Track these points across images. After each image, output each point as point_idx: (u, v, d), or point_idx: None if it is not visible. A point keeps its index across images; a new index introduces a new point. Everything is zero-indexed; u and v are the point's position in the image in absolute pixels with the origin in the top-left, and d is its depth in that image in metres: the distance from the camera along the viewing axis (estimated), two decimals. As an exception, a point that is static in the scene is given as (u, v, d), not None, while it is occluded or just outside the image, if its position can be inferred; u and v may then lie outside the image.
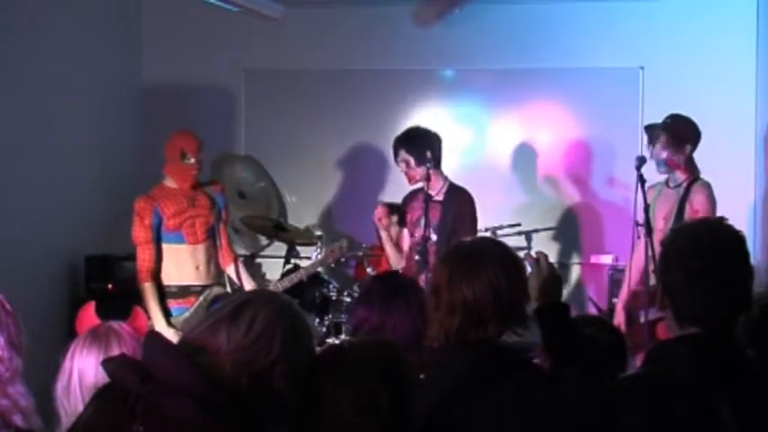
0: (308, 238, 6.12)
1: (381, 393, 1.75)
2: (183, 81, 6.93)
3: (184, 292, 4.79)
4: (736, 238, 2.08)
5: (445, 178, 5.11)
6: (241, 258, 6.17)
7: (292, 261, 5.97)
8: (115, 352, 2.18)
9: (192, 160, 4.80)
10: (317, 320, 5.60)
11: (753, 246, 5.63)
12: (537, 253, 2.42)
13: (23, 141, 5.53)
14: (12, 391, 2.15)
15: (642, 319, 4.35)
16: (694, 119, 4.85)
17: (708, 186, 4.65)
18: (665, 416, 1.93)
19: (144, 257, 4.72)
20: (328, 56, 6.81)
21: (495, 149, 6.72)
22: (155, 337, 1.76)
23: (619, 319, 4.69)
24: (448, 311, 2.16)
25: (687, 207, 4.59)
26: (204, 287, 4.83)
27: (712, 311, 2.01)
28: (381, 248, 6.19)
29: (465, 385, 2.06)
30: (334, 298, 5.65)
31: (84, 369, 2.24)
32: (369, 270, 5.81)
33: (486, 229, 5.90)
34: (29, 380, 2.24)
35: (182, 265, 4.77)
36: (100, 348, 2.25)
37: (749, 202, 6.20)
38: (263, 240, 6.41)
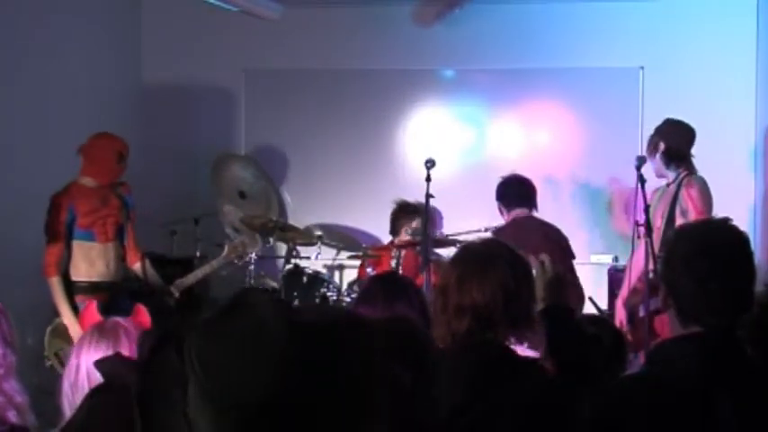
0: (308, 238, 6.12)
1: (401, 370, 1.71)
2: (183, 81, 6.92)
3: (94, 288, 4.86)
4: (740, 239, 2.08)
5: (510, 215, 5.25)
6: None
7: (292, 261, 5.97)
8: (124, 346, 2.18)
9: (124, 163, 5.00)
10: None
11: (753, 245, 5.62)
12: (541, 255, 2.41)
13: (23, 141, 5.52)
14: (6, 387, 2.15)
15: (641, 314, 4.36)
16: (694, 119, 4.86)
17: (700, 180, 4.67)
18: (666, 415, 1.93)
19: (53, 251, 4.79)
20: (328, 56, 6.80)
21: (496, 149, 6.72)
22: (150, 334, 1.75)
23: (620, 316, 4.69)
24: (456, 313, 2.14)
25: (679, 201, 4.61)
26: (112, 284, 4.93)
27: (715, 311, 2.01)
28: (381, 248, 6.20)
29: (470, 386, 2.06)
30: (334, 298, 5.65)
31: (92, 365, 2.23)
32: (369, 270, 5.81)
33: (486, 229, 5.90)
34: (26, 378, 2.23)
35: (93, 261, 4.87)
36: (108, 343, 2.24)
37: (749, 202, 6.20)
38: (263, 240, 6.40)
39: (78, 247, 4.84)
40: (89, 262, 4.85)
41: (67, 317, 4.72)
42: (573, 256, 5.18)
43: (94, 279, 4.87)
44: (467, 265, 2.19)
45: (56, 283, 4.76)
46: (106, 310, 4.63)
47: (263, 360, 1.01)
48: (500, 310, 2.11)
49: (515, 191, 5.27)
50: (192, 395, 1.05)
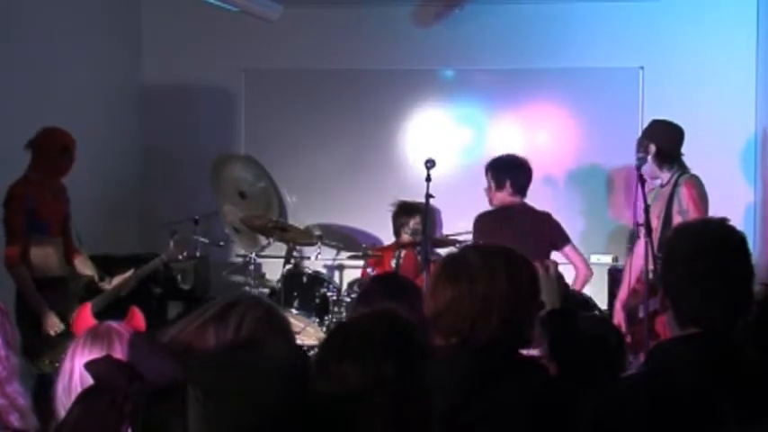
0: (308, 238, 6.12)
1: (385, 364, 1.69)
2: (183, 81, 6.93)
3: (56, 283, 4.81)
4: (739, 239, 2.08)
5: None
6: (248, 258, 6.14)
7: (292, 261, 5.97)
8: (118, 351, 2.17)
9: (69, 155, 4.89)
10: (317, 320, 5.59)
11: (753, 246, 5.62)
12: (546, 261, 2.41)
13: (23, 141, 5.51)
14: (9, 390, 2.15)
15: (641, 315, 4.36)
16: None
17: (694, 178, 4.67)
18: (665, 416, 1.93)
19: (18, 242, 4.68)
20: (328, 56, 6.81)
21: (495, 149, 6.70)
22: (141, 337, 1.75)
23: (618, 318, 4.69)
24: (430, 314, 2.16)
25: (675, 201, 4.61)
26: (65, 278, 4.89)
27: (713, 312, 2.01)
28: (383, 249, 6.19)
29: (464, 386, 2.06)
30: (334, 298, 5.65)
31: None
32: (369, 270, 5.80)
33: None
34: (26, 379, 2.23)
35: (48, 256, 4.81)
36: (102, 347, 2.23)
37: (749, 201, 6.20)
38: (263, 240, 6.40)
39: (34, 242, 4.75)
40: (45, 257, 4.78)
41: (39, 305, 4.63)
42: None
43: (53, 274, 4.80)
44: (438, 271, 2.20)
45: (25, 273, 4.66)
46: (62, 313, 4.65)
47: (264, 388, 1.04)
48: (441, 318, 2.09)
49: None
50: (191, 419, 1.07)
